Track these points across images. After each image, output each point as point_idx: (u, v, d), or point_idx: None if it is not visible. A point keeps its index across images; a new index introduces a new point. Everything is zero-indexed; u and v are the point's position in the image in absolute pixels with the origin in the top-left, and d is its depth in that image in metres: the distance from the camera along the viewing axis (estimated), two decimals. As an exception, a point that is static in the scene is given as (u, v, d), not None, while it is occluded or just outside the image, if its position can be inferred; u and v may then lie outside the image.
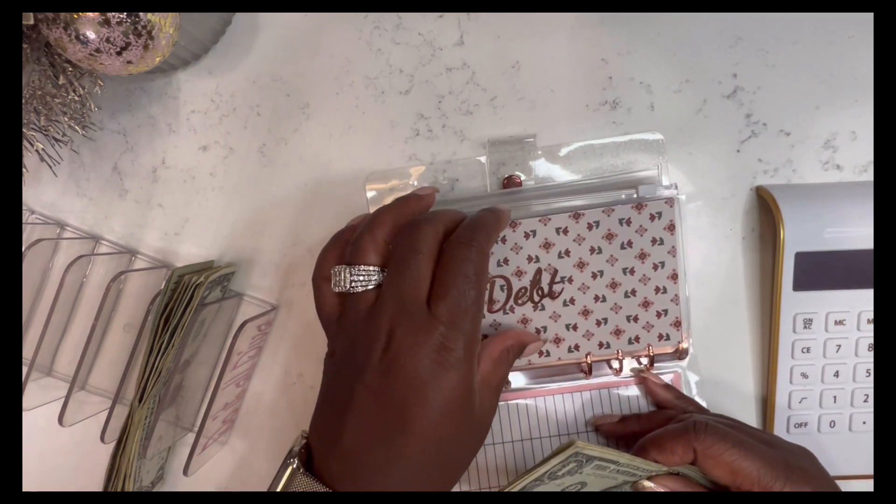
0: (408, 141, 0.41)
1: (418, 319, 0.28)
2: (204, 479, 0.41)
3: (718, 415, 0.36)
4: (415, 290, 0.28)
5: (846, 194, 0.37)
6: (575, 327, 0.36)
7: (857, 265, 0.36)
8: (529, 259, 0.35)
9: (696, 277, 0.39)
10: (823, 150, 0.39)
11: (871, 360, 0.37)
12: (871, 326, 0.36)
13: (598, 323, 0.36)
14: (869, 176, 0.39)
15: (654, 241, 0.35)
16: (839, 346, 0.37)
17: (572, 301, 0.36)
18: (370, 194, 0.40)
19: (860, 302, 0.36)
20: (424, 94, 0.41)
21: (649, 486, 0.32)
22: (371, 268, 0.30)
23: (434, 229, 0.30)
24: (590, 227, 0.35)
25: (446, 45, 0.41)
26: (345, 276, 0.30)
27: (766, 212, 0.38)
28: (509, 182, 0.39)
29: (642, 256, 0.36)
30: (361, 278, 0.30)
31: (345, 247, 0.32)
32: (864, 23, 0.38)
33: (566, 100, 0.40)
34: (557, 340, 0.36)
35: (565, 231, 0.35)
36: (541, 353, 0.37)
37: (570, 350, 0.37)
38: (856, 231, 0.36)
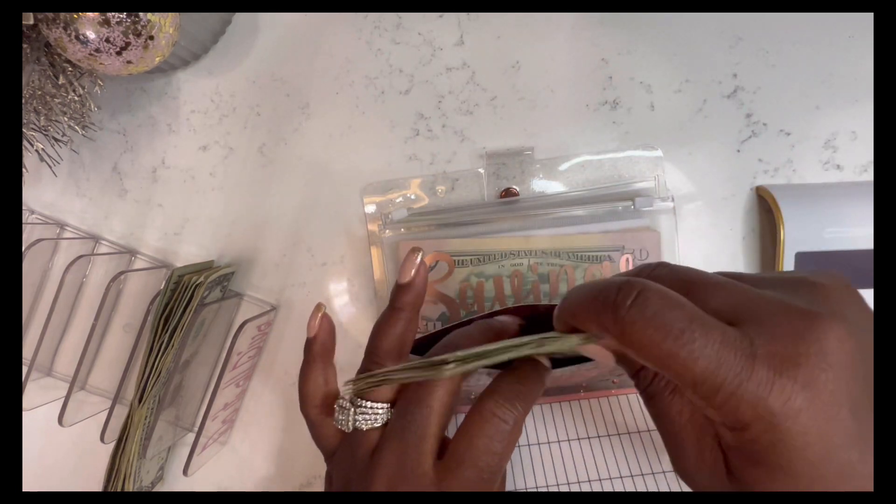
0: (408, 141, 0.41)
1: (419, 488, 0.24)
2: (204, 479, 0.41)
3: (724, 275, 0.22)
4: (419, 453, 0.24)
5: (846, 194, 0.37)
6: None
7: (857, 265, 0.36)
8: None
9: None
10: (823, 150, 0.39)
11: (871, 360, 0.37)
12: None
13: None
14: (869, 176, 0.39)
15: None
16: (839, 346, 0.37)
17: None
18: (369, 209, 0.39)
19: (860, 302, 0.36)
20: (424, 94, 0.41)
21: (590, 348, 0.21)
22: (380, 405, 0.26)
23: (452, 385, 0.25)
24: None
25: (446, 45, 0.41)
26: (350, 417, 0.26)
27: (766, 212, 0.38)
28: (507, 194, 0.39)
29: None
30: (368, 417, 0.26)
31: (326, 367, 0.29)
32: (864, 23, 0.38)
33: (566, 100, 0.40)
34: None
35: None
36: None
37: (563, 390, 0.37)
38: (856, 231, 0.36)
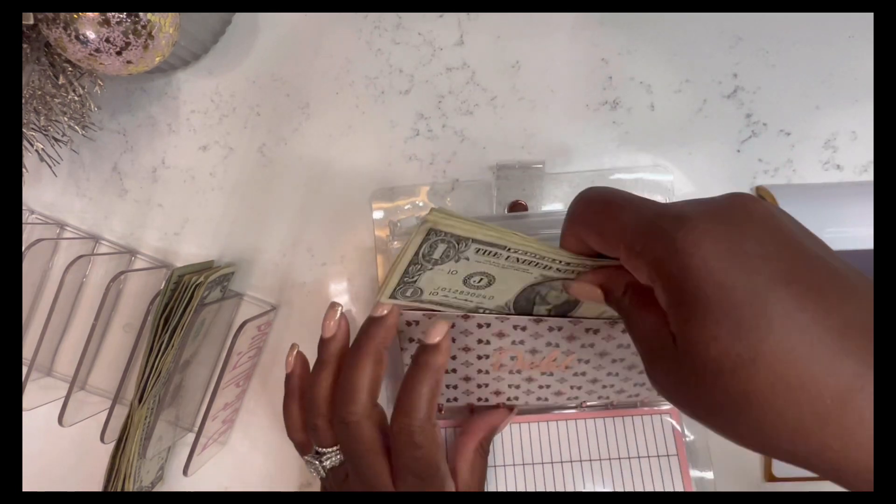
0: (408, 141, 0.41)
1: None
2: (204, 479, 0.41)
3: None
4: (378, 483, 0.30)
5: (846, 194, 0.37)
6: (579, 387, 0.36)
7: (857, 265, 0.36)
8: (549, 344, 0.33)
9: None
10: (823, 150, 0.39)
11: (871, 360, 0.37)
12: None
13: (604, 387, 0.36)
14: (869, 176, 0.39)
15: None
16: (839, 346, 0.37)
17: (583, 373, 0.35)
18: (377, 215, 0.39)
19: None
20: (424, 94, 0.41)
21: (577, 287, 0.27)
22: (333, 448, 0.32)
23: (369, 422, 0.30)
24: (625, 331, 0.32)
25: (446, 45, 0.41)
26: (320, 465, 0.32)
27: (766, 212, 0.38)
28: (515, 207, 0.38)
29: None
30: (332, 460, 0.32)
31: (301, 397, 0.34)
32: (864, 23, 0.38)
33: (566, 100, 0.40)
34: (559, 394, 0.36)
35: (596, 331, 0.32)
36: (539, 399, 0.36)
37: (568, 399, 0.37)
38: (856, 231, 0.36)
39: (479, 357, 0.33)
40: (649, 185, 0.38)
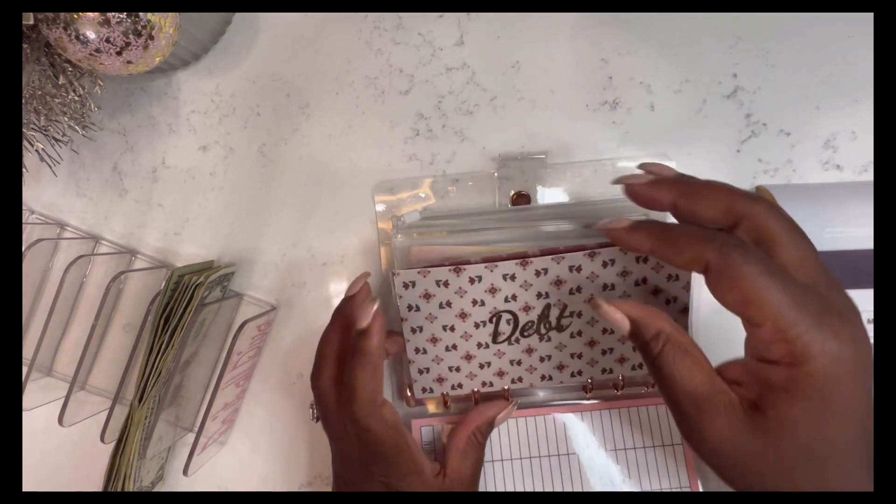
0: (408, 141, 0.41)
1: (364, 480, 0.31)
2: (204, 479, 0.41)
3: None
4: (351, 458, 0.31)
5: (846, 194, 0.37)
6: (580, 356, 0.36)
7: (857, 265, 0.36)
8: (539, 295, 0.33)
9: (698, 277, 0.39)
10: (823, 150, 0.39)
11: (871, 360, 0.37)
12: (871, 326, 0.36)
13: (604, 352, 0.35)
14: (869, 176, 0.39)
15: (669, 277, 0.33)
16: (839, 346, 0.37)
17: (579, 333, 0.35)
18: (379, 208, 0.39)
19: (860, 302, 0.36)
20: (424, 94, 0.41)
21: (607, 309, 0.27)
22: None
23: (334, 409, 0.31)
24: (605, 265, 0.32)
25: (446, 45, 0.41)
26: (313, 412, 0.34)
27: (766, 212, 0.38)
28: (518, 198, 0.39)
29: (656, 292, 0.34)
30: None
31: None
32: (864, 23, 0.38)
33: (566, 100, 0.40)
34: (561, 367, 0.36)
35: (578, 269, 0.33)
36: (543, 378, 0.36)
37: (572, 375, 0.36)
38: (856, 231, 0.36)
39: (477, 325, 0.34)
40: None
